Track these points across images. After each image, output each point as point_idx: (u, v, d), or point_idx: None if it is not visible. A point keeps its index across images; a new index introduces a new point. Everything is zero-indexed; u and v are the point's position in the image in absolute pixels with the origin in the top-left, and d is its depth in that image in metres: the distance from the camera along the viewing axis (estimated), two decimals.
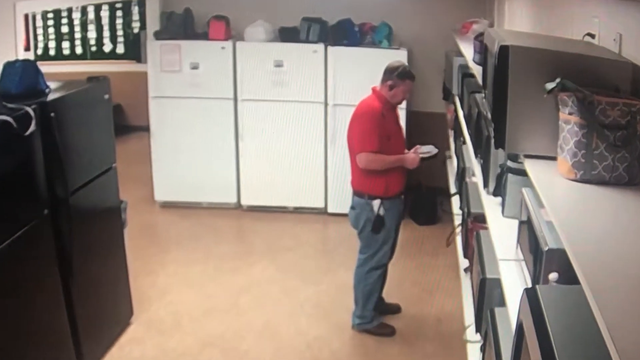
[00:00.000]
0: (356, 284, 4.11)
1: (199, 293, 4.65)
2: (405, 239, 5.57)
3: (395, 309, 4.38)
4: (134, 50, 8.74)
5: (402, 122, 5.64)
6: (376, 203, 3.89)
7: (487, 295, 2.69)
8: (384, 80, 3.89)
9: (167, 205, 6.27)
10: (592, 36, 2.35)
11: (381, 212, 3.90)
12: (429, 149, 4.02)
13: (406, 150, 4.05)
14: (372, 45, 5.83)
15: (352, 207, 4.01)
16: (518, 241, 2.34)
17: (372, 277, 4.06)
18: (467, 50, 4.22)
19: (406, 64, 3.97)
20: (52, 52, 8.81)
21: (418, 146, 4.06)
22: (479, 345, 2.85)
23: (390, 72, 3.87)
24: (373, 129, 3.79)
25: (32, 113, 2.98)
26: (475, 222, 3.42)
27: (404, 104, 5.50)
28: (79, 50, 8.89)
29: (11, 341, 2.88)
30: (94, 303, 3.65)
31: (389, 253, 4.07)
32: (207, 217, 6.07)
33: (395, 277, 4.60)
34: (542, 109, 1.95)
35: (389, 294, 4.42)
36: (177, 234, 5.76)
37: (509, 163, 2.67)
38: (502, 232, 2.58)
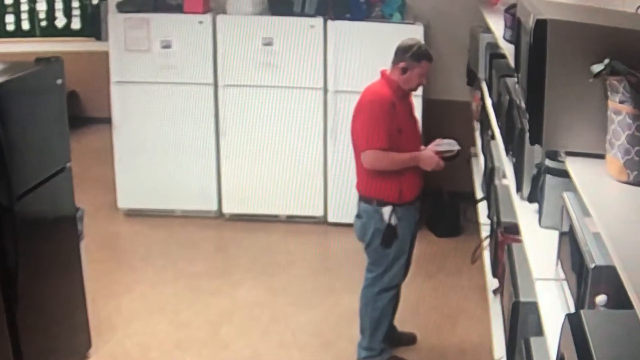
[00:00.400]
0: (363, 308, 4.11)
1: (172, 321, 4.64)
2: (422, 254, 5.56)
3: (409, 339, 4.38)
4: (93, 25, 8.72)
5: (418, 112, 5.70)
6: (387, 210, 3.89)
7: (521, 322, 2.68)
8: (395, 62, 3.89)
9: (133, 214, 6.26)
10: None
11: (393, 221, 3.90)
12: (448, 144, 4.01)
13: (422, 147, 4.06)
14: (381, 20, 5.84)
15: (358, 215, 4.02)
16: (558, 257, 2.34)
17: (383, 301, 4.06)
18: (497, 26, 4.22)
19: (422, 42, 3.96)
20: None
21: (438, 140, 4.05)
22: None
23: (403, 52, 3.87)
24: (381, 121, 3.79)
25: None
26: (507, 233, 3.42)
27: (419, 90, 5.54)
28: (25, 25, 8.89)
29: None
30: (43, 333, 3.64)
31: (402, 271, 4.07)
32: (182, 228, 6.06)
33: (410, 301, 4.59)
34: (587, 97, 1.95)
35: (403, 322, 4.41)
36: (145, 249, 5.75)
37: (548, 162, 2.67)
38: (539, 246, 2.58)
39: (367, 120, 3.83)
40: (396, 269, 4.02)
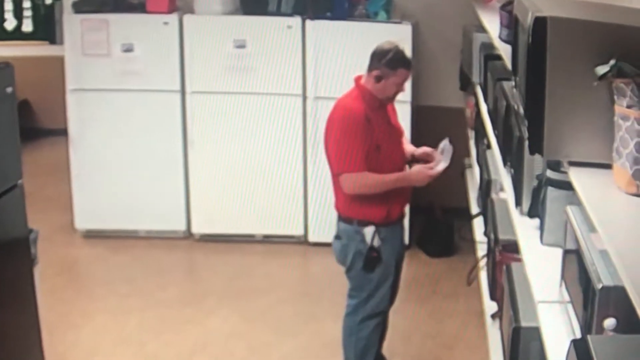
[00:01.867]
0: (346, 338, 4.10)
1: (137, 354, 4.61)
2: (413, 276, 5.56)
3: None
4: (46, 28, 8.70)
5: (406, 120, 5.72)
6: (369, 231, 3.87)
7: (523, 349, 2.69)
8: (369, 69, 3.84)
9: (93, 235, 6.23)
10: None
11: (375, 242, 3.88)
12: (445, 155, 3.99)
13: (410, 153, 4.05)
14: (366, 19, 5.86)
15: (337, 237, 4.01)
16: (562, 277, 2.35)
17: (367, 329, 4.04)
18: (492, 25, 4.25)
19: (400, 45, 3.87)
20: None
21: (428, 150, 4.05)
22: None
23: (378, 59, 3.81)
24: (355, 141, 3.74)
25: None
26: (505, 252, 3.43)
27: (407, 97, 5.57)
28: None
29: None
30: None
31: (388, 297, 4.06)
32: (147, 251, 6.03)
33: (400, 328, 4.59)
34: (591, 101, 1.97)
35: (393, 351, 4.41)
36: (107, 274, 5.71)
37: (549, 173, 2.68)
38: (540, 266, 2.59)
39: (339, 140, 3.79)
40: (381, 294, 3.99)
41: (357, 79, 3.91)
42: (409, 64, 3.85)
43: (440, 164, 3.95)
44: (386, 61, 3.79)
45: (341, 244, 3.97)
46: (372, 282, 3.96)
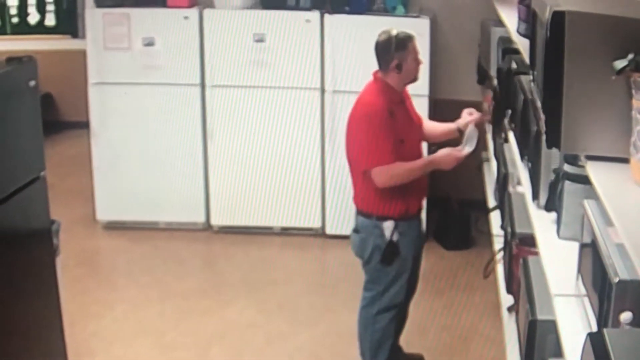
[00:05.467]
0: (362, 330, 4.10)
1: (157, 343, 4.63)
2: (430, 268, 5.55)
3: None
4: (69, 22, 8.74)
5: (424, 114, 5.70)
6: (388, 226, 3.87)
7: (539, 342, 2.68)
8: (385, 65, 3.84)
9: (113, 227, 6.26)
10: None
11: (395, 237, 3.88)
12: (470, 139, 4.00)
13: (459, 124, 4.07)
14: (384, 13, 5.85)
15: (356, 230, 4.01)
16: (579, 271, 2.34)
17: (382, 322, 4.04)
18: (510, 19, 4.23)
19: (394, 29, 3.92)
20: None
21: (473, 118, 4.03)
22: None
23: (386, 51, 3.83)
24: (381, 136, 3.75)
25: None
26: (522, 245, 3.42)
27: (425, 90, 5.56)
28: None
29: None
30: (15, 357, 3.62)
31: (404, 290, 4.05)
32: (167, 242, 6.06)
33: (417, 320, 4.58)
34: (609, 95, 1.95)
35: (410, 343, 4.40)
36: (127, 265, 5.74)
37: (566, 167, 2.67)
38: (557, 259, 2.58)
39: (367, 136, 3.79)
40: (397, 287, 3.99)
41: (376, 74, 3.91)
42: (411, 35, 3.88)
43: (466, 148, 3.96)
44: (395, 47, 3.81)
45: (360, 237, 3.97)
46: (389, 276, 3.96)
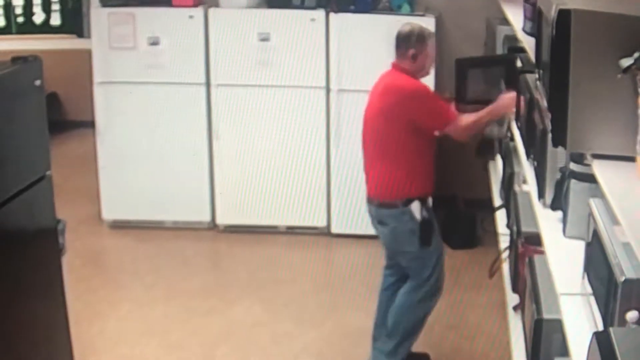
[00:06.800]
0: (399, 313, 4.07)
1: (162, 343, 4.64)
2: None
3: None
4: (74, 21, 8.75)
5: None
6: (416, 207, 3.93)
7: (545, 341, 2.68)
8: (402, 53, 4.00)
9: (119, 226, 6.27)
10: None
11: (424, 214, 3.95)
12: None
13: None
14: (389, 11, 5.85)
15: (381, 223, 4.03)
16: (585, 270, 2.34)
17: (424, 309, 4.07)
18: (515, 17, 4.22)
19: (417, 23, 4.14)
20: None
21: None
22: None
23: (406, 40, 3.99)
24: (437, 99, 4.06)
25: None
26: (528, 244, 3.41)
27: (430, 87, 5.55)
28: (1, 21, 8.92)
29: None
30: (22, 357, 3.63)
31: (444, 271, 4.12)
32: (172, 241, 6.06)
33: None
34: (615, 94, 1.95)
35: (416, 341, 4.39)
36: (133, 264, 5.75)
37: (572, 166, 2.67)
38: (563, 258, 2.58)
39: (426, 106, 3.97)
40: (439, 268, 4.06)
41: (395, 64, 4.03)
42: (432, 33, 4.16)
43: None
44: (416, 38, 3.98)
45: (390, 228, 4.00)
46: (433, 256, 4.01)
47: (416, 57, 3.96)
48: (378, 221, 4.04)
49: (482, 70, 4.67)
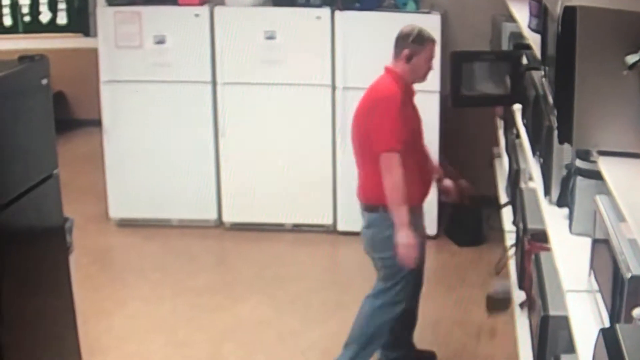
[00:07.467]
0: (359, 317, 4.03)
1: (169, 340, 4.65)
2: (442, 265, 5.55)
3: (428, 358, 4.37)
4: (80, 20, 8.76)
5: (435, 110, 5.70)
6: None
7: (551, 338, 2.68)
8: (397, 53, 3.90)
9: (126, 224, 6.28)
10: None
11: None
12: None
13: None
14: (394, 9, 5.85)
15: (367, 226, 4.00)
16: (591, 266, 2.34)
17: (382, 318, 3.97)
18: (521, 14, 4.22)
19: (421, 26, 3.98)
20: None
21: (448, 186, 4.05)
22: None
23: (404, 39, 3.88)
24: (398, 120, 3.77)
25: None
26: (534, 241, 3.41)
27: (436, 86, 5.54)
28: (7, 21, 8.93)
29: None
30: (30, 354, 3.64)
31: (411, 285, 4.01)
32: (179, 239, 6.07)
33: (428, 316, 4.58)
34: (621, 90, 1.95)
35: (422, 338, 4.40)
36: (139, 262, 5.76)
37: (578, 163, 2.66)
38: (569, 255, 2.58)
39: (383, 119, 3.80)
40: (405, 281, 3.95)
41: (388, 68, 3.94)
42: (434, 38, 3.95)
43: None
44: (413, 38, 3.86)
45: (371, 232, 3.97)
46: (402, 269, 3.91)
47: (411, 58, 3.85)
48: (364, 224, 4.01)
49: (478, 65, 4.63)
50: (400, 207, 3.79)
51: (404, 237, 3.78)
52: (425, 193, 4.03)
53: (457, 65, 4.53)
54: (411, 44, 3.85)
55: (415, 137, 3.97)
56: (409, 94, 3.94)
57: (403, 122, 3.80)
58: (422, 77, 3.96)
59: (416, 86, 4.02)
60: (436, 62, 5.48)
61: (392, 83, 3.88)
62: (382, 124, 3.81)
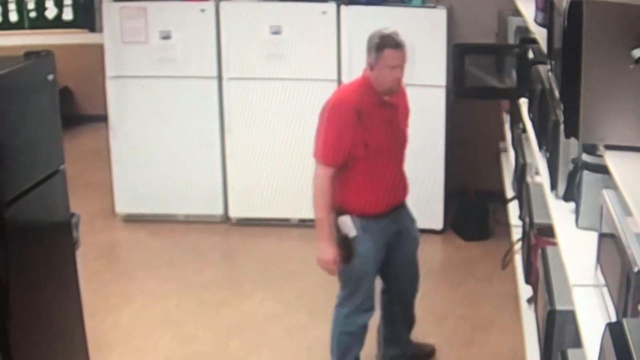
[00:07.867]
0: (332, 329, 3.99)
1: (176, 335, 4.66)
2: (448, 259, 5.56)
3: (427, 352, 4.35)
4: (86, 16, 8.76)
5: (441, 105, 5.68)
6: (343, 220, 3.75)
7: (557, 332, 2.68)
8: (366, 59, 3.74)
9: (132, 220, 6.29)
10: None
11: (351, 233, 3.75)
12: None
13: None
14: (400, 4, 5.84)
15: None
16: (598, 261, 2.33)
17: (353, 326, 3.90)
18: (527, 8, 4.21)
19: (388, 30, 3.74)
20: None
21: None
22: None
23: (368, 47, 3.70)
24: (336, 133, 3.67)
25: None
26: (540, 236, 3.41)
27: (441, 80, 5.53)
28: (13, 16, 8.94)
29: None
30: (38, 350, 3.65)
31: (373, 294, 3.92)
32: (185, 235, 6.08)
33: (435, 310, 4.59)
34: (627, 84, 1.94)
35: (428, 332, 4.42)
36: (146, 257, 5.77)
37: (585, 157, 2.66)
38: (576, 249, 2.58)
39: (327, 127, 3.71)
40: (364, 290, 3.84)
41: (364, 71, 3.80)
42: (394, 43, 3.64)
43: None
44: (370, 45, 3.70)
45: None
46: (353, 276, 3.83)
47: (372, 67, 3.67)
48: None
49: (482, 58, 4.61)
50: (318, 219, 3.74)
51: (318, 250, 3.74)
52: (390, 199, 3.83)
53: (459, 57, 4.52)
54: (372, 52, 3.68)
55: (377, 150, 3.74)
56: (377, 104, 3.75)
57: (349, 133, 3.66)
58: (391, 87, 3.71)
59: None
60: (442, 57, 5.55)
61: (353, 91, 3.78)
62: (320, 133, 3.75)
